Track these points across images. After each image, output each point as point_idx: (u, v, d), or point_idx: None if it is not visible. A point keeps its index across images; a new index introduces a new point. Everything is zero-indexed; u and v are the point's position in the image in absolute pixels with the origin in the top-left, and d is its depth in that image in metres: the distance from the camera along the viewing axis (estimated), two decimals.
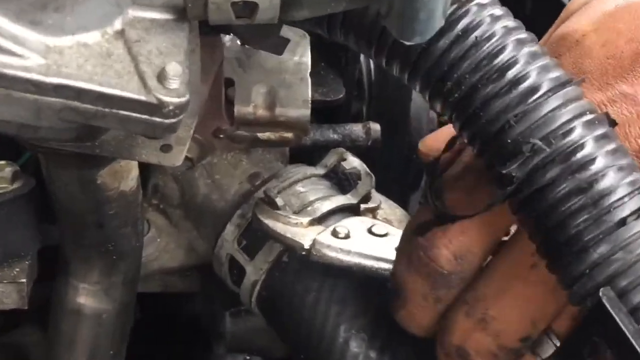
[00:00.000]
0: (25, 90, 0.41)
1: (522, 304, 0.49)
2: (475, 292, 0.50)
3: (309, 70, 0.65)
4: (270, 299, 0.70)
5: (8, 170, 0.61)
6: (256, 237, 0.70)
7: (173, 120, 0.43)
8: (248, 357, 0.93)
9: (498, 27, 0.46)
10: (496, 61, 0.46)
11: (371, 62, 0.84)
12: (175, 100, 0.42)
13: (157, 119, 0.42)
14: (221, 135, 0.66)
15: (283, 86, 0.64)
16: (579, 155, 0.44)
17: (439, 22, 0.43)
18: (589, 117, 0.45)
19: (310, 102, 0.64)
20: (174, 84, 0.42)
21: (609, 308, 0.42)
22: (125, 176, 0.59)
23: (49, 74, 0.41)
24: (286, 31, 0.56)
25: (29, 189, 0.62)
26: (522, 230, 0.48)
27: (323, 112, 0.77)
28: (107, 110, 0.42)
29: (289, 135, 0.65)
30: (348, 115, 0.83)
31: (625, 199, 0.43)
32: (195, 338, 0.91)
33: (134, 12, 0.43)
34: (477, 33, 0.46)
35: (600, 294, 0.43)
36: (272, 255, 0.69)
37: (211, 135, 0.65)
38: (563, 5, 1.16)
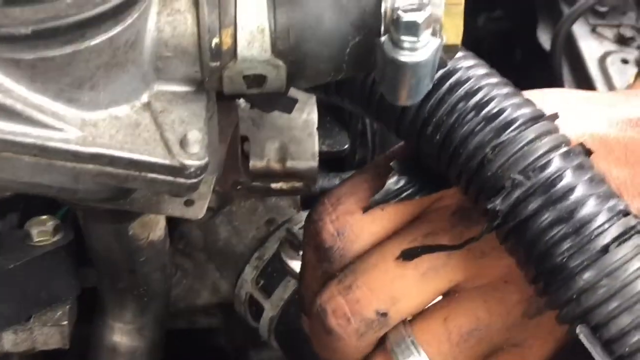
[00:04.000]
0: (65, 159, 0.41)
1: (387, 279, 0.48)
2: (352, 265, 0.50)
3: (316, 126, 0.66)
4: (287, 332, 0.70)
5: (50, 224, 0.63)
6: (273, 277, 0.71)
7: (194, 181, 0.43)
8: None
9: (472, 73, 0.46)
10: (471, 101, 0.45)
11: None
12: (196, 163, 0.43)
13: (181, 180, 0.43)
14: (239, 187, 0.66)
15: (293, 141, 0.65)
16: (559, 186, 0.43)
17: (427, 87, 0.43)
18: (564, 149, 0.44)
19: (317, 154, 0.65)
20: (195, 148, 0.43)
21: (586, 344, 0.43)
22: (153, 227, 0.60)
23: (85, 145, 0.41)
24: (295, 92, 0.57)
25: (68, 241, 0.63)
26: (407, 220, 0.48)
27: (330, 162, 0.77)
28: (137, 173, 0.43)
29: (300, 184, 0.66)
30: (353, 163, 0.84)
31: (606, 226, 0.42)
32: None
33: (158, 86, 0.44)
34: (451, 80, 0.46)
35: (577, 330, 0.43)
36: (287, 293, 0.70)
37: (230, 187, 0.66)
38: (546, 54, 1.16)
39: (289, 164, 0.65)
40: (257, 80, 0.44)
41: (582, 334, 0.43)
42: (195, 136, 0.43)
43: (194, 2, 0.42)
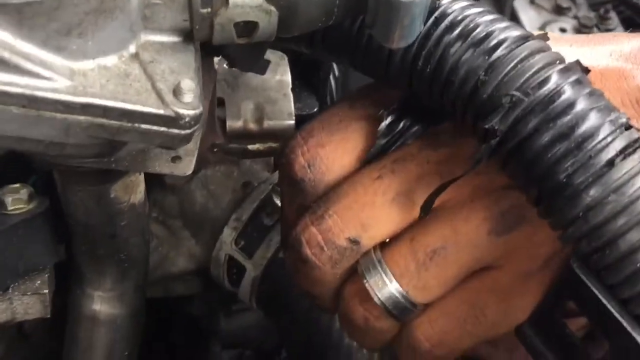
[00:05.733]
0: (54, 110, 0.39)
1: (357, 207, 0.47)
2: (325, 196, 0.48)
3: (290, 87, 0.64)
4: (269, 292, 0.68)
5: (24, 192, 0.58)
6: (253, 237, 0.69)
7: (189, 131, 0.41)
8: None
9: (455, 6, 0.43)
10: (457, 29, 0.42)
11: (337, 81, 0.84)
12: (191, 112, 0.41)
13: (175, 131, 0.41)
14: (215, 150, 0.64)
15: (268, 102, 0.63)
16: (558, 101, 0.39)
17: (419, 27, 0.42)
18: (561, 65, 0.41)
19: (293, 114, 0.63)
20: (189, 97, 0.41)
21: (580, 274, 0.41)
22: (135, 190, 0.57)
23: (76, 94, 0.39)
24: (267, 54, 0.55)
25: (44, 208, 0.59)
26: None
27: (300, 124, 0.76)
28: (129, 125, 0.40)
29: (276, 145, 0.64)
30: None
31: (609, 139, 0.39)
32: (193, 337, 0.89)
33: (145, 37, 0.42)
34: (436, 13, 0.43)
35: (572, 261, 0.41)
36: (269, 252, 0.68)
37: (207, 150, 0.64)
38: None
39: (266, 124, 0.62)
40: (248, 27, 0.42)
41: (575, 264, 0.41)
42: (188, 85, 0.41)
43: None
